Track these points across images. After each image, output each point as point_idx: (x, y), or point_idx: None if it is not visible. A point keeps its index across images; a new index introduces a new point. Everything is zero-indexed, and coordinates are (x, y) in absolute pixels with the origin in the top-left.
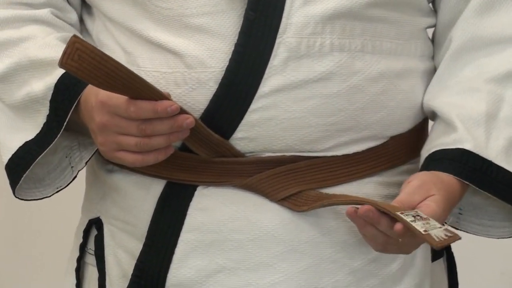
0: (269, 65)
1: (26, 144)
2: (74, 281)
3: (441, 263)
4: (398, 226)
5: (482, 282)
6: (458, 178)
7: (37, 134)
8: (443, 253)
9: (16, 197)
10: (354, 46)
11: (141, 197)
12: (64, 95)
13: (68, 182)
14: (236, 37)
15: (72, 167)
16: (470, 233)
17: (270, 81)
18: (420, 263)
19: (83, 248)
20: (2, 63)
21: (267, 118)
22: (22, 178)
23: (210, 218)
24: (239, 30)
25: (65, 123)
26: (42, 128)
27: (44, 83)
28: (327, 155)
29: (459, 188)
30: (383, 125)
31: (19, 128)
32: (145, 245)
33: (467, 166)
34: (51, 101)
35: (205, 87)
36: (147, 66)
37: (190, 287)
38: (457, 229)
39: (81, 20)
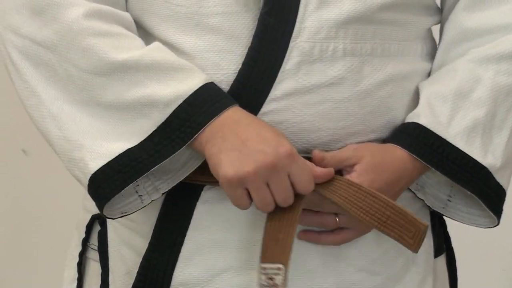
0: (282, 69)
1: (129, 152)
2: (75, 275)
3: (442, 259)
4: None
5: (483, 278)
6: (408, 152)
7: (144, 141)
8: (444, 249)
9: (103, 214)
10: (365, 50)
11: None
12: (202, 108)
13: (138, 209)
14: (250, 39)
15: (140, 195)
16: (455, 220)
17: (282, 85)
18: (422, 259)
19: (85, 243)
20: (114, 56)
21: (278, 122)
22: (125, 189)
23: (216, 218)
24: (252, 32)
25: (193, 138)
26: (151, 136)
27: (172, 89)
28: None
29: (409, 162)
30: (389, 128)
31: (111, 132)
32: (151, 243)
33: (418, 141)
34: (177, 111)
35: None
36: None
37: (196, 285)
38: (443, 215)
39: None
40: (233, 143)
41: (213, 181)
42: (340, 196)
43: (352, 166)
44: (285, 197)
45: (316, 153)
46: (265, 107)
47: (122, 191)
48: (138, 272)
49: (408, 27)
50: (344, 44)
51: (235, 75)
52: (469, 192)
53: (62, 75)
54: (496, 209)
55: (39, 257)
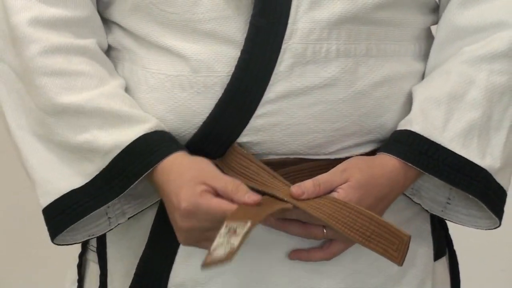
0: (275, 71)
1: (73, 192)
2: (76, 277)
3: (444, 262)
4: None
5: (482, 279)
6: (401, 160)
7: (86, 185)
8: (445, 252)
9: (54, 243)
10: (359, 51)
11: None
12: (137, 159)
13: (104, 232)
14: (243, 43)
15: (109, 218)
16: (455, 222)
17: (275, 87)
18: (421, 262)
19: (85, 244)
20: (61, 98)
21: (272, 124)
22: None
23: None
24: (245, 35)
25: (131, 186)
26: (94, 180)
27: (112, 138)
28: (330, 158)
29: (402, 172)
30: (386, 128)
31: (61, 169)
32: (148, 245)
33: (412, 148)
34: (116, 160)
35: (211, 91)
36: (152, 68)
37: (193, 287)
38: (443, 218)
39: None
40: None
41: None
42: (324, 212)
43: (340, 185)
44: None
45: (294, 190)
46: (259, 110)
47: (94, 212)
48: (135, 274)
49: (404, 26)
50: (338, 45)
51: (229, 77)
52: (470, 196)
53: (26, 106)
54: (497, 210)
55: (39, 257)
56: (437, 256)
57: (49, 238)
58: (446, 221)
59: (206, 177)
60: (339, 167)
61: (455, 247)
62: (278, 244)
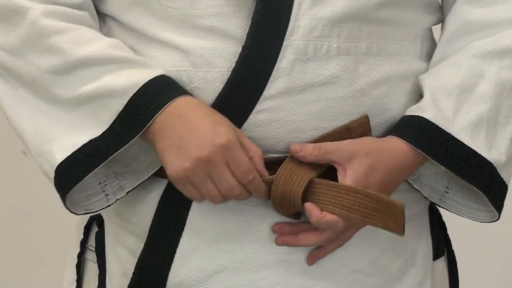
0: (276, 67)
1: (93, 141)
2: (74, 277)
3: (442, 262)
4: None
5: (482, 279)
6: (411, 145)
7: (105, 132)
8: (444, 252)
9: (65, 206)
10: (360, 49)
11: (142, 196)
12: (154, 97)
13: (102, 208)
14: (243, 38)
15: (107, 195)
16: (452, 212)
17: (276, 83)
18: (421, 262)
19: (83, 244)
20: (74, 52)
21: (271, 120)
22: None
23: (211, 219)
24: (246, 31)
25: (150, 122)
26: (112, 125)
27: (127, 78)
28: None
29: (411, 156)
30: (386, 127)
31: (79, 124)
32: (146, 244)
33: (423, 135)
34: (133, 98)
35: (211, 86)
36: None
37: (191, 286)
38: (440, 206)
39: None
40: (174, 140)
41: None
42: (323, 201)
43: (343, 165)
44: (227, 187)
45: (293, 146)
46: (259, 106)
47: (90, 190)
48: (133, 273)
49: (406, 26)
50: (338, 43)
51: (229, 73)
52: (474, 187)
53: (27, 79)
54: (498, 204)
55: (39, 257)
56: (436, 256)
57: (49, 238)
58: (445, 221)
59: (236, 130)
60: (346, 144)
61: (455, 247)
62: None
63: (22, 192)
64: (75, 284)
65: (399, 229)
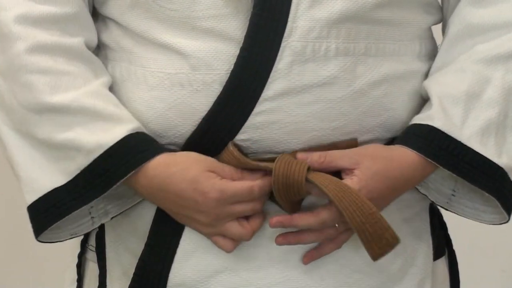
0: (274, 68)
1: (56, 191)
2: (75, 277)
3: (443, 262)
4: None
5: (482, 279)
6: (421, 155)
7: (69, 183)
8: (444, 252)
9: (38, 240)
10: (358, 50)
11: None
12: (122, 161)
13: (87, 231)
14: (242, 40)
15: (92, 217)
16: (459, 215)
17: (274, 85)
18: (421, 262)
19: (84, 244)
20: (47, 97)
21: (271, 122)
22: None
23: None
24: (245, 33)
25: (113, 187)
26: (76, 178)
27: (95, 138)
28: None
29: (420, 166)
30: (385, 128)
31: (45, 166)
32: (146, 244)
33: (433, 144)
34: (98, 160)
35: (210, 89)
36: (151, 67)
37: (192, 286)
38: (446, 209)
39: None
40: (174, 209)
41: None
42: (330, 190)
43: (350, 169)
44: (249, 211)
45: (299, 154)
46: (258, 107)
47: (76, 211)
48: (134, 273)
49: (405, 26)
50: (337, 43)
51: (228, 75)
52: (486, 194)
53: (8, 103)
54: (509, 207)
55: (39, 257)
56: (436, 256)
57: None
58: (445, 221)
59: (209, 165)
60: (352, 151)
61: (456, 247)
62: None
63: (21, 190)
64: (75, 284)
65: (376, 256)
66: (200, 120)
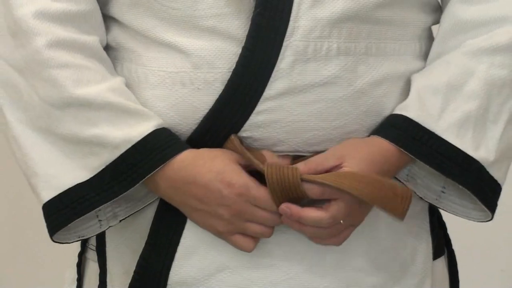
0: (276, 68)
1: (79, 186)
2: (75, 276)
3: (442, 261)
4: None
5: (482, 279)
6: (395, 145)
7: (93, 178)
8: (444, 251)
9: (54, 241)
10: (359, 49)
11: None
12: (150, 155)
13: (94, 234)
14: (244, 39)
15: (100, 220)
16: (448, 212)
17: (276, 84)
18: (421, 261)
19: (84, 243)
20: (70, 90)
21: (272, 121)
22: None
23: None
24: (246, 32)
25: (138, 183)
26: (101, 174)
27: (122, 133)
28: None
29: (396, 155)
30: None
31: (66, 162)
32: (147, 243)
33: (406, 134)
34: (125, 155)
35: (211, 87)
36: (152, 65)
37: (192, 285)
38: (436, 207)
39: None
40: (195, 204)
41: None
42: (331, 180)
43: (338, 166)
44: (266, 220)
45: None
46: (259, 106)
47: (84, 216)
48: (135, 272)
49: (405, 26)
50: (338, 43)
51: (230, 73)
52: (460, 185)
53: (26, 100)
54: (490, 203)
55: (39, 257)
56: (436, 256)
57: (48, 237)
58: (445, 221)
59: (236, 158)
60: (333, 149)
61: (455, 246)
62: (277, 242)
63: (23, 190)
64: (75, 283)
65: (401, 214)
66: (201, 119)
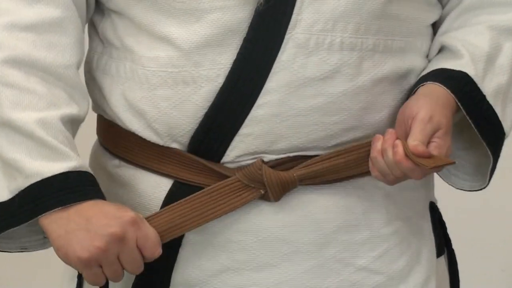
0: (277, 60)
1: (1, 205)
2: (75, 273)
3: (442, 261)
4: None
5: (482, 278)
6: (454, 98)
7: (9, 200)
8: (444, 250)
9: None
10: (366, 46)
11: (147, 195)
12: (55, 194)
13: (36, 249)
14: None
15: (45, 237)
16: (442, 179)
17: (277, 76)
18: (426, 259)
19: None
20: (5, 111)
21: (272, 114)
22: None
23: (214, 220)
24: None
25: (36, 218)
26: (14, 198)
27: (37, 164)
28: (330, 152)
29: (454, 109)
30: (384, 125)
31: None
32: None
33: (465, 90)
34: (34, 186)
35: (214, 83)
36: (152, 66)
37: (195, 286)
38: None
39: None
40: (78, 223)
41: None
42: None
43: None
44: (135, 267)
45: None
46: (260, 99)
47: (33, 226)
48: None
49: (410, 22)
50: (342, 37)
51: (231, 66)
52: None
53: None
54: (492, 173)
55: (39, 256)
56: (436, 255)
57: None
58: (445, 221)
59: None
60: (423, 115)
61: (455, 246)
62: (280, 241)
63: None
64: (75, 281)
65: (429, 166)
66: (203, 117)
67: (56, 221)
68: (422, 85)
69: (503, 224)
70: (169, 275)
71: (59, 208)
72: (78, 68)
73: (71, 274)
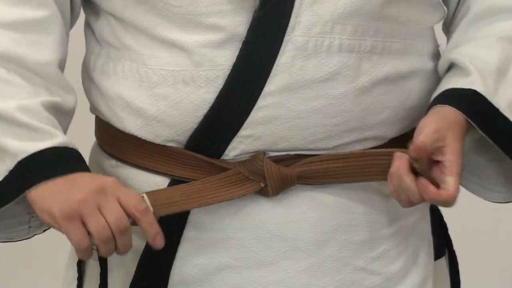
0: (276, 62)
1: None
2: (75, 275)
3: (443, 261)
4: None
5: (482, 279)
6: (464, 116)
7: (1, 182)
8: (445, 252)
9: None
10: (364, 47)
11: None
12: (40, 168)
13: (21, 239)
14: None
15: (30, 227)
16: (469, 190)
17: (276, 79)
18: (423, 261)
19: None
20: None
21: (272, 117)
22: None
23: (213, 217)
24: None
25: (24, 193)
26: (5, 179)
27: (22, 144)
28: (330, 154)
29: (465, 127)
30: (385, 126)
31: None
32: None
33: (476, 107)
34: (20, 163)
35: (213, 84)
36: (153, 64)
37: (193, 284)
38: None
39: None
40: (64, 185)
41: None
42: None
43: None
44: (117, 218)
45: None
46: (260, 102)
47: (19, 218)
48: (135, 271)
49: (410, 24)
50: (341, 39)
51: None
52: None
53: None
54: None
55: (39, 255)
56: (437, 256)
57: (48, 235)
58: (446, 222)
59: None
60: (431, 131)
61: (456, 247)
62: (279, 239)
63: None
64: (75, 282)
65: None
66: (202, 117)
67: (42, 190)
68: (432, 108)
69: (504, 224)
70: (168, 273)
71: (45, 181)
72: (61, 67)
73: (71, 276)
